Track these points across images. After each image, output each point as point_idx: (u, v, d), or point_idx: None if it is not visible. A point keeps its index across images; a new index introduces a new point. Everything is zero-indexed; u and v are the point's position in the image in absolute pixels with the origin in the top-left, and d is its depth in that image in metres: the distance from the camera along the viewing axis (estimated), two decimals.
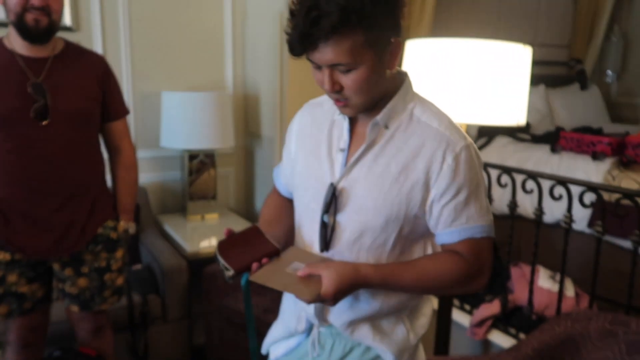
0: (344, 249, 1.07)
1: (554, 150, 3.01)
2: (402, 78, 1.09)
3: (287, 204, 1.28)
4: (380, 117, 1.04)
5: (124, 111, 1.89)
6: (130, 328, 2.24)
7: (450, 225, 1.04)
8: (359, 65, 0.95)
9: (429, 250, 1.12)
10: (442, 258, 1.07)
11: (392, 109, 1.05)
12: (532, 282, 2.10)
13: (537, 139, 3.27)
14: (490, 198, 2.22)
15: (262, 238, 1.09)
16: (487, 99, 1.68)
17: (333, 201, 1.06)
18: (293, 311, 1.20)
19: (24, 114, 1.60)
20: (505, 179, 2.13)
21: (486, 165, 2.25)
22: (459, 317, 2.29)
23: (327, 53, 0.94)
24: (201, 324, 2.49)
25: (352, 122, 1.09)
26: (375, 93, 1.02)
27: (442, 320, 1.99)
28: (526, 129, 3.54)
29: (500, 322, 2.19)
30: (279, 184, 1.30)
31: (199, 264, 2.44)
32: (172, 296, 2.35)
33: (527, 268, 2.35)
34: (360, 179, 1.05)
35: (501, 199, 2.63)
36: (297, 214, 1.19)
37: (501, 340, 2.13)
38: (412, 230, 1.07)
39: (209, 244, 2.53)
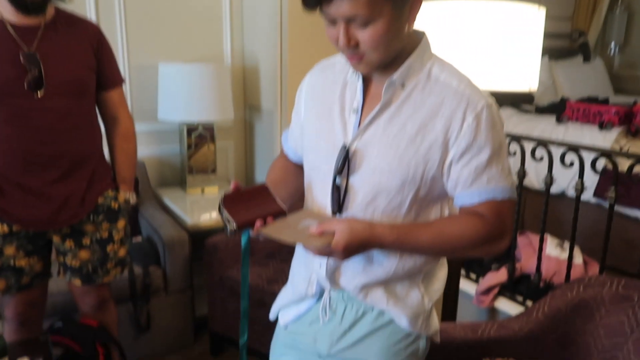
0: (357, 212, 1.03)
1: (559, 120, 2.96)
2: (419, 37, 1.04)
3: (295, 168, 1.24)
4: (396, 75, 0.99)
5: (120, 80, 1.83)
6: (132, 299, 2.21)
7: (471, 186, 0.99)
8: (376, 19, 0.90)
9: (446, 213, 1.08)
10: (461, 218, 1.03)
11: (409, 67, 1.00)
12: (540, 250, 2.07)
13: (541, 110, 3.22)
14: None
15: (269, 197, 1.04)
16: (497, 64, 1.62)
17: (346, 163, 1.02)
18: (303, 275, 1.16)
19: (17, 84, 1.54)
20: (513, 147, 2.09)
21: None
22: (465, 285, 2.27)
23: (343, 5, 0.89)
24: (203, 295, 2.46)
25: (366, 83, 1.04)
26: (392, 49, 0.97)
27: (450, 287, 1.96)
28: (530, 100, 3.49)
29: (507, 289, 2.16)
30: (287, 148, 1.26)
31: (200, 237, 2.40)
32: (174, 268, 2.31)
33: (533, 236, 2.33)
34: (375, 140, 1.01)
35: None
36: (307, 177, 1.14)
37: (508, 307, 2.12)
38: (428, 192, 1.02)
39: (209, 217, 2.49)
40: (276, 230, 0.97)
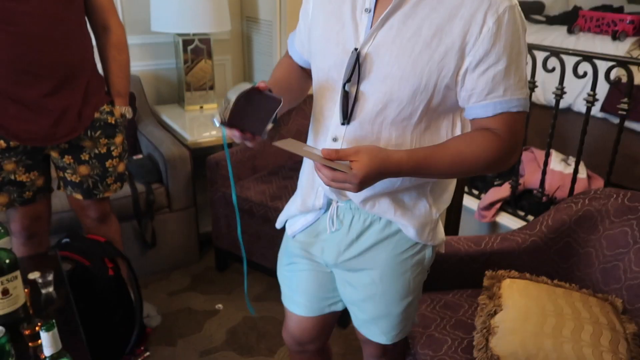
0: (366, 121, 0.99)
1: (570, 31, 2.83)
2: None
3: (299, 69, 1.18)
4: None
5: None
6: (136, 217, 2.23)
7: (486, 98, 0.93)
8: None
9: (458, 127, 1.03)
10: (476, 138, 0.97)
11: None
12: (545, 164, 2.05)
13: (552, 20, 3.08)
14: None
15: (267, 116, 0.98)
16: None
17: (356, 68, 0.95)
18: (311, 187, 1.14)
19: None
20: None
21: None
22: (467, 201, 2.28)
23: None
24: (207, 212, 2.48)
25: None
26: None
27: (453, 203, 1.97)
28: (540, 9, 3.32)
29: (509, 205, 2.18)
30: (293, 51, 1.19)
31: (201, 154, 2.37)
32: (177, 185, 2.30)
33: (538, 152, 2.31)
34: (387, 43, 0.94)
35: None
36: (315, 83, 1.08)
37: (509, 222, 2.14)
38: (441, 102, 0.97)
39: (209, 134, 2.45)
40: (289, 145, 0.93)
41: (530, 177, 2.19)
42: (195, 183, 2.39)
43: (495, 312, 1.36)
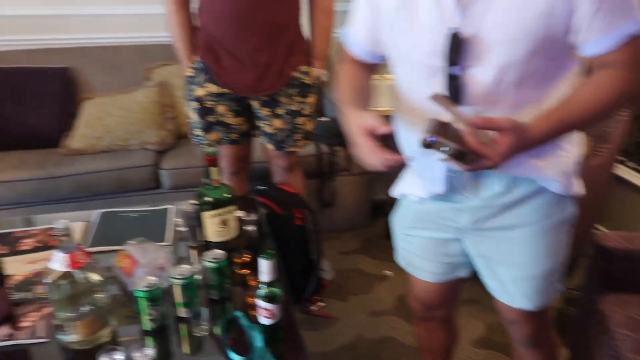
0: (479, 99, 0.91)
1: None
2: None
3: (366, 75, 1.15)
4: None
5: None
6: (318, 175, 2.34)
7: (608, 29, 0.83)
8: None
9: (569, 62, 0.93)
10: (603, 81, 0.88)
11: None
12: None
13: None
14: None
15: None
16: None
17: (457, 49, 0.87)
18: (427, 174, 1.08)
19: None
20: None
21: None
22: None
23: None
24: (382, 179, 2.51)
25: None
26: None
27: None
28: None
29: None
30: (358, 49, 1.15)
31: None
32: None
33: None
34: (488, 11, 0.84)
35: None
36: (402, 81, 1.04)
37: None
38: (561, 52, 0.89)
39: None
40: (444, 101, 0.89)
41: None
42: None
43: None
